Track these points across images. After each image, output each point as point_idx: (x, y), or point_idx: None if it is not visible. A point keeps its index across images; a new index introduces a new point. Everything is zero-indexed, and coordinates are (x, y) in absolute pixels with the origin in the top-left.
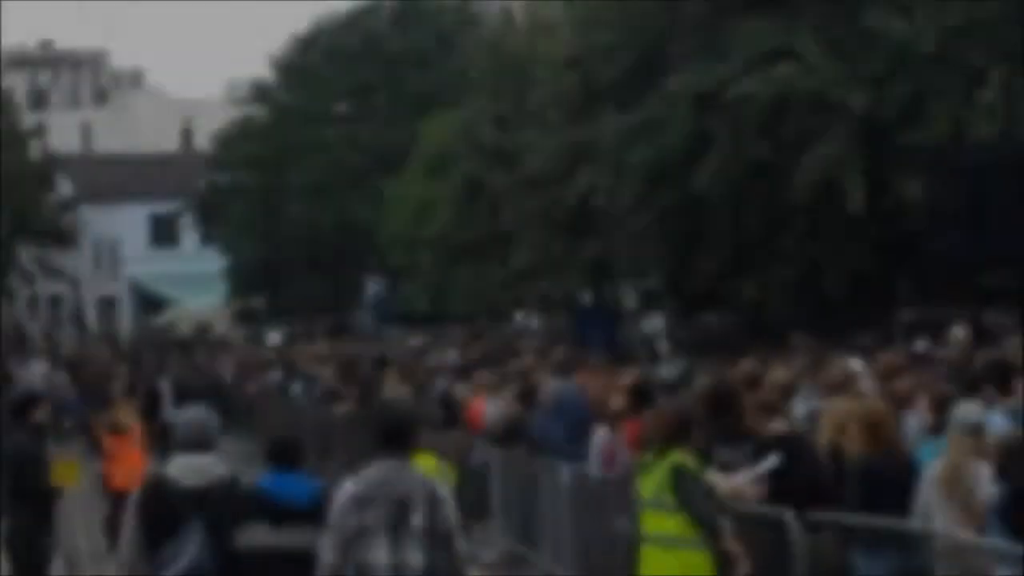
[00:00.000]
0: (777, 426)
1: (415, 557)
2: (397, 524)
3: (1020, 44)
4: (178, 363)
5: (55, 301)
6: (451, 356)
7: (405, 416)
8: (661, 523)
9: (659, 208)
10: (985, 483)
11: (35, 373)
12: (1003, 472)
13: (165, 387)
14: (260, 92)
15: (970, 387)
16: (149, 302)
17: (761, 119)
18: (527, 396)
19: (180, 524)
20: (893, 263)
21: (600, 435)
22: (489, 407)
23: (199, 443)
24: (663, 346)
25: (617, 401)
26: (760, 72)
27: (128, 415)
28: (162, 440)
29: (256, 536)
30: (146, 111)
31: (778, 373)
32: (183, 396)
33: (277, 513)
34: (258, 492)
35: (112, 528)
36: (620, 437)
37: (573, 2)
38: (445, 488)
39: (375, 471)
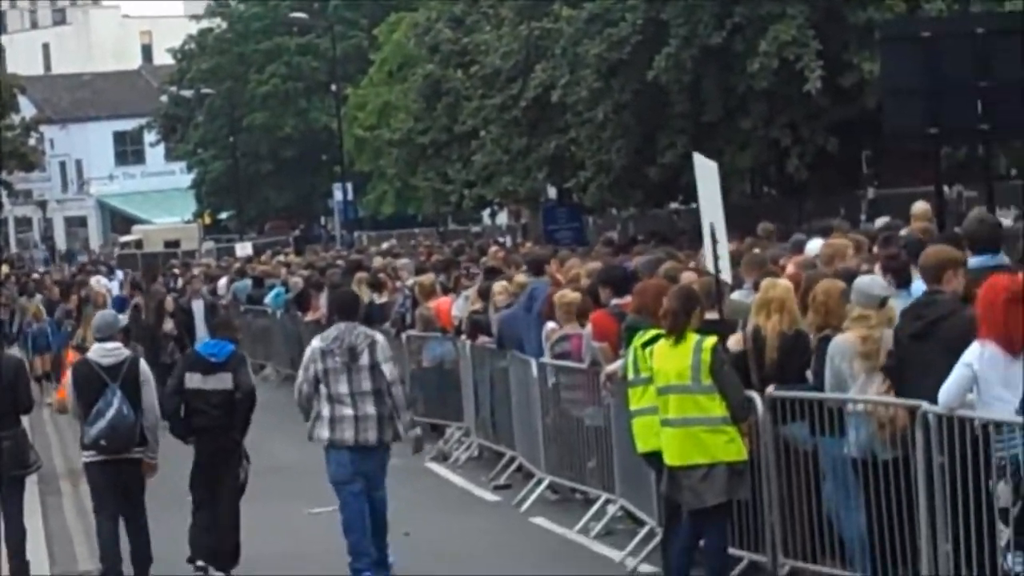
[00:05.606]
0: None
1: (366, 384)
2: (350, 364)
3: None
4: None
5: (23, 223)
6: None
7: (350, 294)
8: (698, 405)
9: (616, 100)
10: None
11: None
12: None
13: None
14: (218, 5)
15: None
16: (117, 220)
17: (715, 5)
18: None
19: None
20: (855, 142)
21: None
22: (455, 304)
23: (109, 335)
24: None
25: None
26: None
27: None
28: None
29: (193, 381)
30: (105, 30)
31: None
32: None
33: (206, 366)
34: (194, 352)
35: None
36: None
37: None
38: (383, 338)
39: (333, 331)
